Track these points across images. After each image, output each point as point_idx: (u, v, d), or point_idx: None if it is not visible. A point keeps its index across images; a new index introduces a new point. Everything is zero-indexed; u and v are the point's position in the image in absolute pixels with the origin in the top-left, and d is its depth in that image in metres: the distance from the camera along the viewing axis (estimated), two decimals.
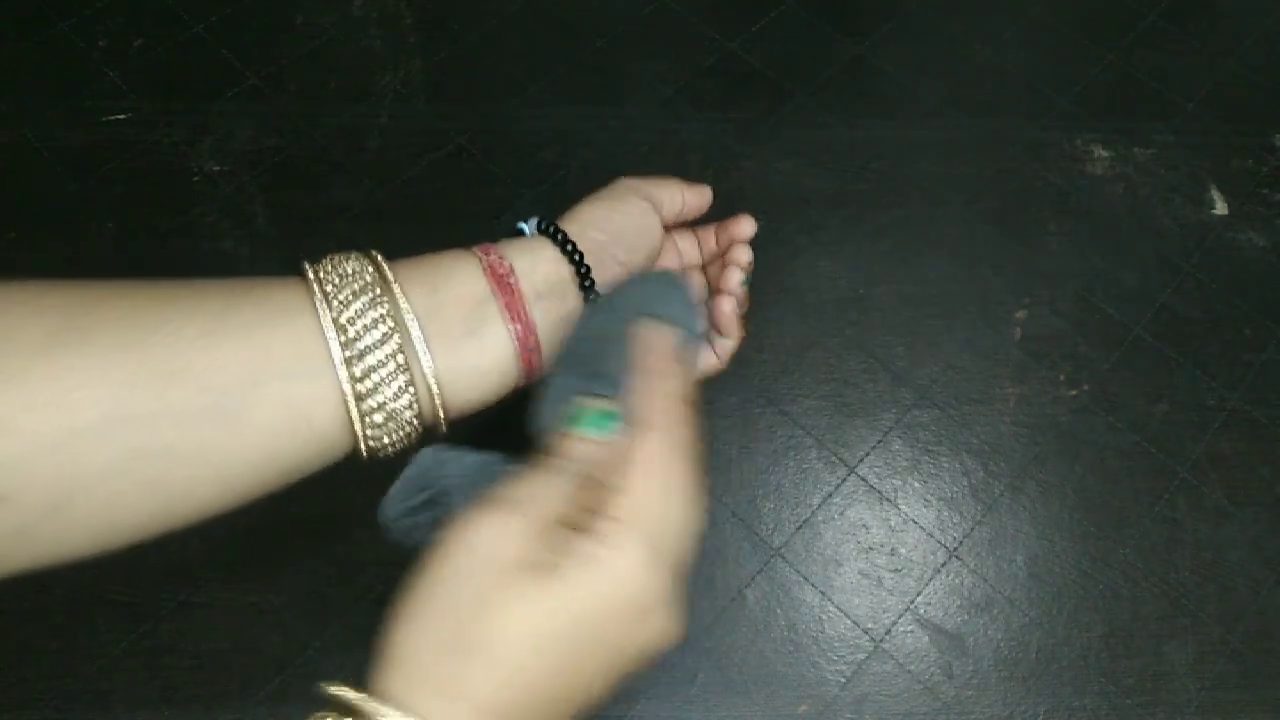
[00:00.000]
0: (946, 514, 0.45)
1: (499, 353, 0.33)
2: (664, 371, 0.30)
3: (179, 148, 0.53)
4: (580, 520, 0.27)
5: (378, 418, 0.31)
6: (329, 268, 0.32)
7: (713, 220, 0.42)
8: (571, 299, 0.35)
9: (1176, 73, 0.60)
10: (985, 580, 0.44)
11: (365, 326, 0.30)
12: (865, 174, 0.55)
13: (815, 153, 0.55)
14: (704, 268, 0.44)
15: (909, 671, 0.41)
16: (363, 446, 0.31)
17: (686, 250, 0.43)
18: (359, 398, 0.30)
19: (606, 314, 0.33)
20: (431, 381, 0.31)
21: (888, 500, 0.45)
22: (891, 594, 0.43)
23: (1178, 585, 0.44)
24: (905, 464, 0.46)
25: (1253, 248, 0.53)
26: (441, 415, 0.32)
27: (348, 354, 0.30)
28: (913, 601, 0.43)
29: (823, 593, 0.43)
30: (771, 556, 0.44)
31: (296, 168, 0.53)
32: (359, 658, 0.26)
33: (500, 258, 0.34)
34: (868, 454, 0.46)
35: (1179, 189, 0.55)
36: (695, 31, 0.59)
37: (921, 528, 0.45)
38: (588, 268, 0.35)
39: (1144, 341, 0.50)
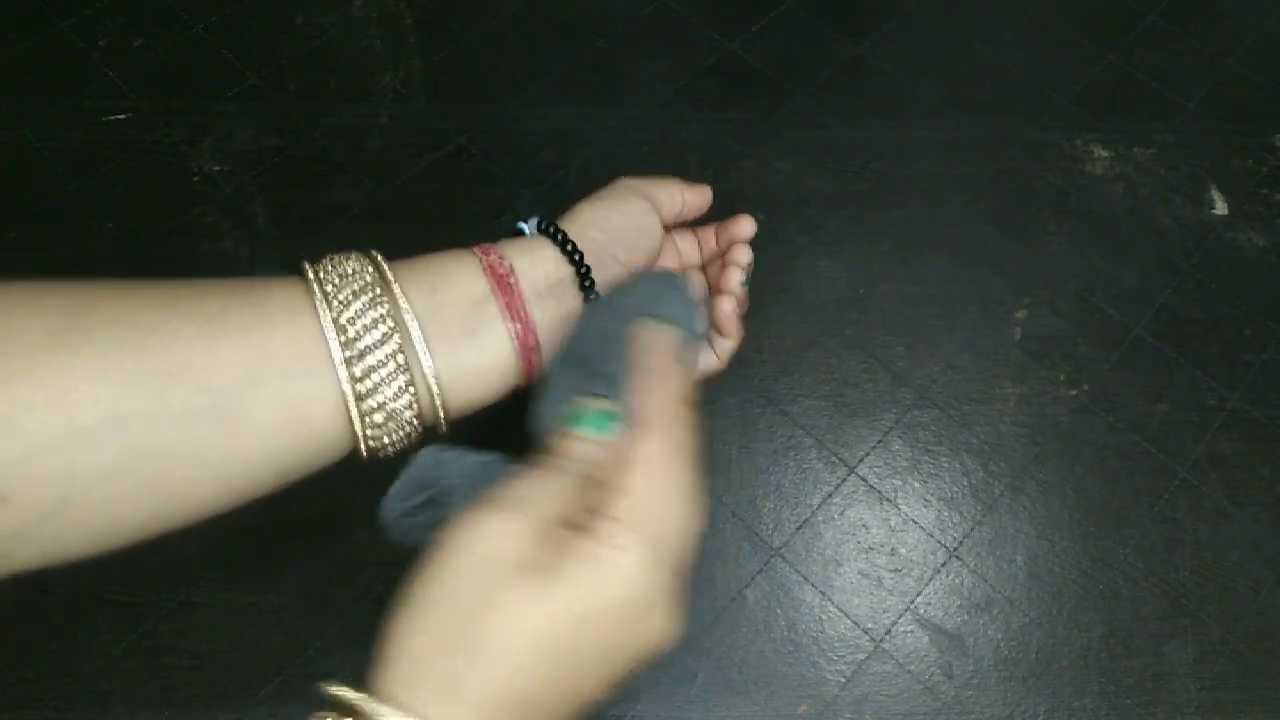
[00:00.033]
0: (946, 514, 0.45)
1: (499, 352, 0.33)
2: (664, 371, 0.30)
3: (179, 148, 0.53)
4: (581, 520, 0.27)
5: (378, 418, 0.31)
6: (329, 268, 0.32)
7: (713, 220, 0.42)
8: (571, 299, 0.35)
9: (1176, 73, 0.60)
10: (985, 580, 0.44)
11: (365, 326, 0.30)
12: (865, 174, 0.55)
13: (815, 153, 0.55)
14: (704, 268, 0.44)
15: (909, 671, 0.41)
16: (363, 446, 0.31)
17: (686, 250, 0.43)
18: (359, 397, 0.30)
19: (606, 314, 0.33)
20: (431, 381, 0.31)
21: (888, 500, 0.45)
22: (891, 594, 0.43)
23: (1178, 585, 0.44)
24: (905, 464, 0.46)
25: (1253, 248, 0.53)
26: (442, 415, 0.32)
27: (348, 354, 0.30)
28: (913, 601, 0.43)
29: (823, 593, 0.43)
30: (771, 556, 0.44)
31: (296, 168, 0.53)
32: (359, 658, 0.26)
33: (500, 257, 0.34)
34: (868, 454, 0.46)
35: (1179, 189, 0.55)
36: (695, 31, 0.59)
37: (921, 528, 0.45)
38: (588, 267, 0.35)
39: (1144, 341, 0.50)
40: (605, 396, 0.30)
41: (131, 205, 0.51)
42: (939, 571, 0.44)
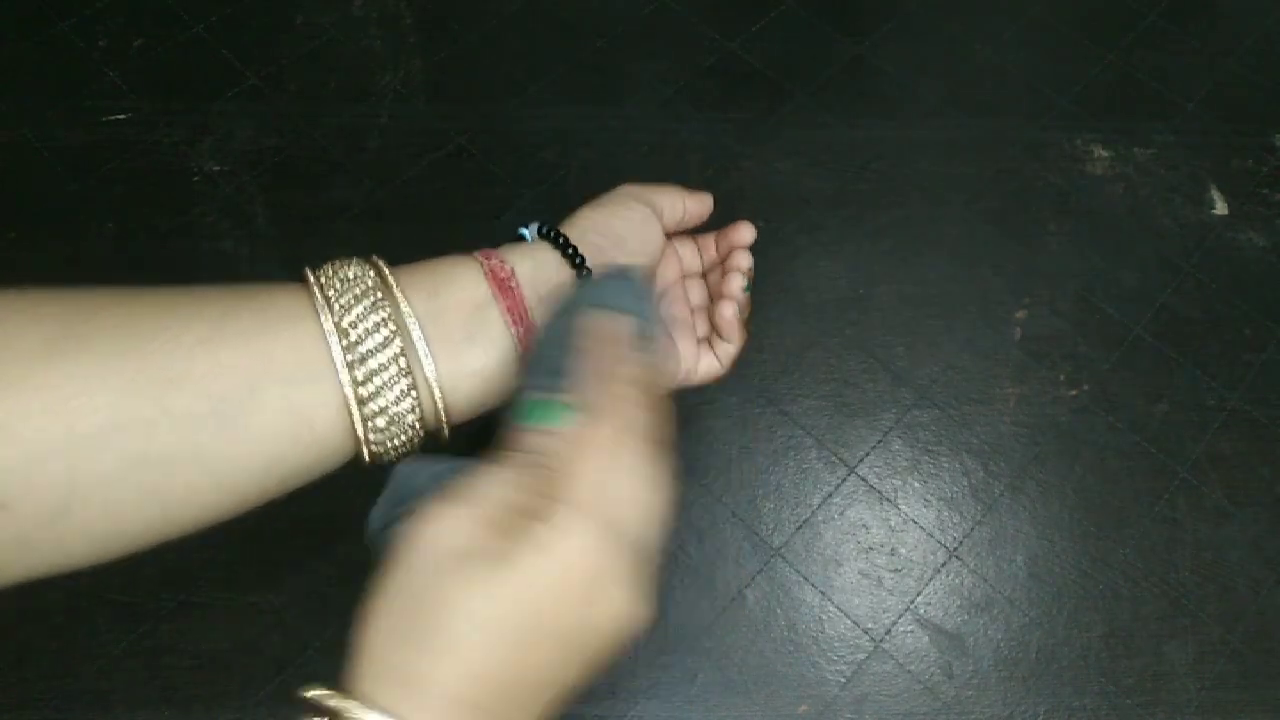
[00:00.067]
0: (946, 514, 0.45)
1: (501, 356, 0.33)
2: (612, 356, 0.30)
3: (179, 148, 0.53)
4: (531, 506, 0.27)
5: (380, 422, 0.31)
6: (330, 273, 0.32)
7: (713, 224, 0.42)
8: None
9: (1176, 73, 0.60)
10: (985, 580, 0.44)
11: (367, 330, 0.30)
12: (865, 174, 0.55)
13: (815, 153, 0.55)
14: (704, 275, 0.44)
15: (909, 671, 0.41)
16: (365, 451, 0.31)
17: (687, 257, 0.43)
18: (361, 402, 0.30)
19: (561, 312, 0.33)
20: (434, 385, 0.31)
21: (888, 500, 0.45)
22: (891, 594, 0.43)
23: (1178, 585, 0.44)
24: (905, 464, 0.46)
25: (1253, 248, 0.53)
26: (444, 419, 0.32)
27: (349, 358, 0.30)
28: (913, 601, 0.43)
29: (823, 593, 0.43)
30: (771, 556, 0.44)
31: (296, 168, 0.53)
32: None
33: (501, 261, 0.34)
34: (868, 454, 0.46)
35: (1179, 189, 0.55)
36: (695, 31, 0.59)
37: (921, 528, 0.45)
38: (589, 271, 0.35)
39: (1144, 341, 0.50)
40: (558, 389, 0.30)
41: (131, 205, 0.51)
42: (939, 571, 0.44)
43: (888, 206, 0.54)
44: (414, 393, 0.31)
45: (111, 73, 0.55)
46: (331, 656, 0.40)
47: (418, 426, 0.32)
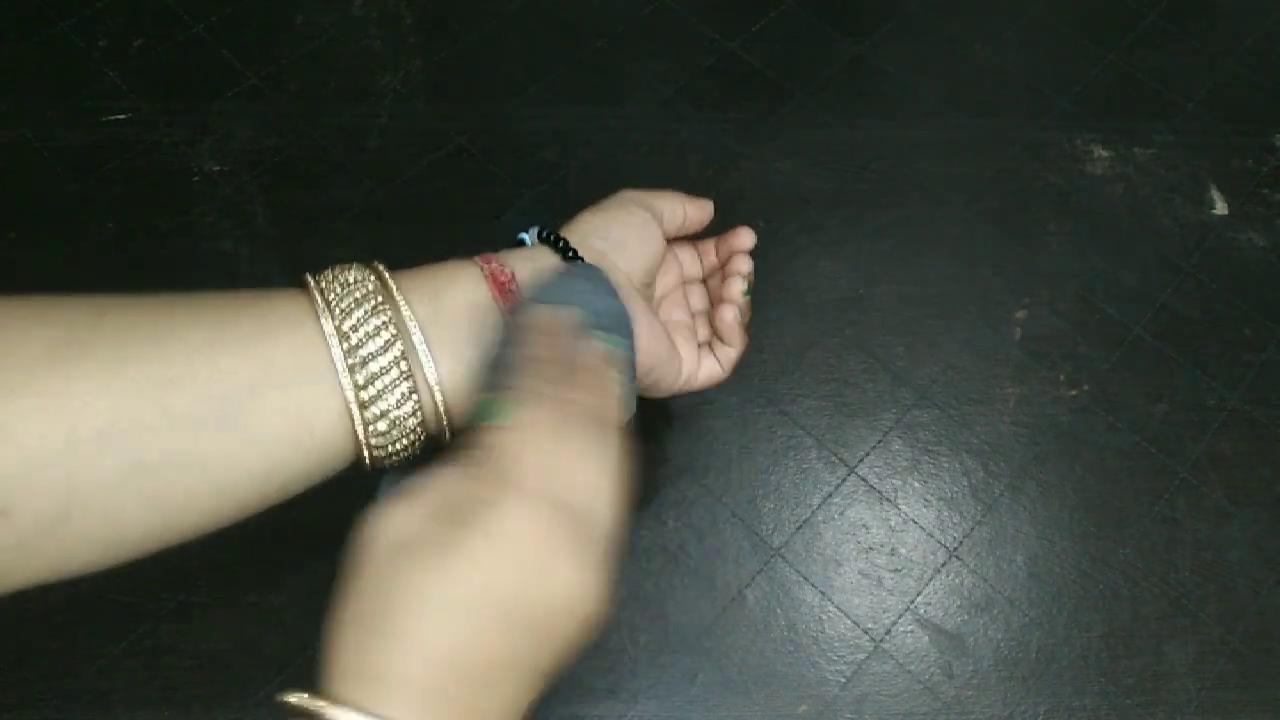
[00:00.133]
0: (946, 514, 0.45)
1: None
2: (551, 345, 0.31)
3: (179, 148, 0.53)
4: (476, 494, 0.27)
5: (381, 425, 0.31)
6: (330, 278, 0.32)
7: (714, 224, 0.42)
8: None
9: (1176, 73, 0.60)
10: (985, 580, 0.44)
11: (368, 334, 0.30)
12: (865, 174, 0.55)
13: (815, 153, 0.55)
14: (705, 280, 0.44)
15: (909, 671, 0.41)
16: (366, 455, 0.31)
17: (687, 262, 0.43)
18: (362, 405, 0.30)
19: (514, 316, 0.33)
20: (435, 389, 0.31)
21: (888, 500, 0.45)
22: (891, 594, 0.43)
23: (1178, 585, 0.44)
24: (905, 464, 0.46)
25: (1253, 248, 0.53)
26: (446, 422, 0.32)
27: (350, 361, 0.30)
28: (913, 601, 0.43)
29: (823, 593, 0.43)
30: (771, 556, 0.44)
31: (296, 168, 0.53)
32: None
33: (501, 265, 0.34)
34: (868, 454, 0.46)
35: (1179, 189, 0.55)
36: (695, 31, 0.59)
37: (921, 528, 0.45)
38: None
39: (1144, 341, 0.50)
40: (503, 385, 0.30)
41: (131, 205, 0.51)
42: (939, 571, 0.44)
43: (888, 206, 0.54)
44: (415, 396, 0.31)
45: (111, 73, 0.55)
46: None
47: (419, 430, 0.32)
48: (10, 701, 0.38)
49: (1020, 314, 0.51)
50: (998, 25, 0.61)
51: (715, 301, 0.42)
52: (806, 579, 0.43)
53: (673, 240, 0.42)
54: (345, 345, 0.30)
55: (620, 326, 0.34)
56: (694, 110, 0.56)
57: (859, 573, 0.43)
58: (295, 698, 0.25)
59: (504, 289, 0.33)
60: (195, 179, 0.52)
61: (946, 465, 0.46)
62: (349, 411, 0.30)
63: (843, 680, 0.41)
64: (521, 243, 0.38)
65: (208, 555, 0.41)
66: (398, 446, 0.32)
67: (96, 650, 0.39)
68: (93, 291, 0.30)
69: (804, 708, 0.40)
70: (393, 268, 0.34)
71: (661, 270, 0.41)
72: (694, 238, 0.43)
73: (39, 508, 0.26)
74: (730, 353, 0.41)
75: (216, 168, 0.52)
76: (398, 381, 0.31)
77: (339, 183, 0.52)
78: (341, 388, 0.30)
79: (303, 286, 0.32)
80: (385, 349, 0.30)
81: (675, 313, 0.41)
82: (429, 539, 0.26)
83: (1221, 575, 0.44)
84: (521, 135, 0.55)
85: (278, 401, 0.29)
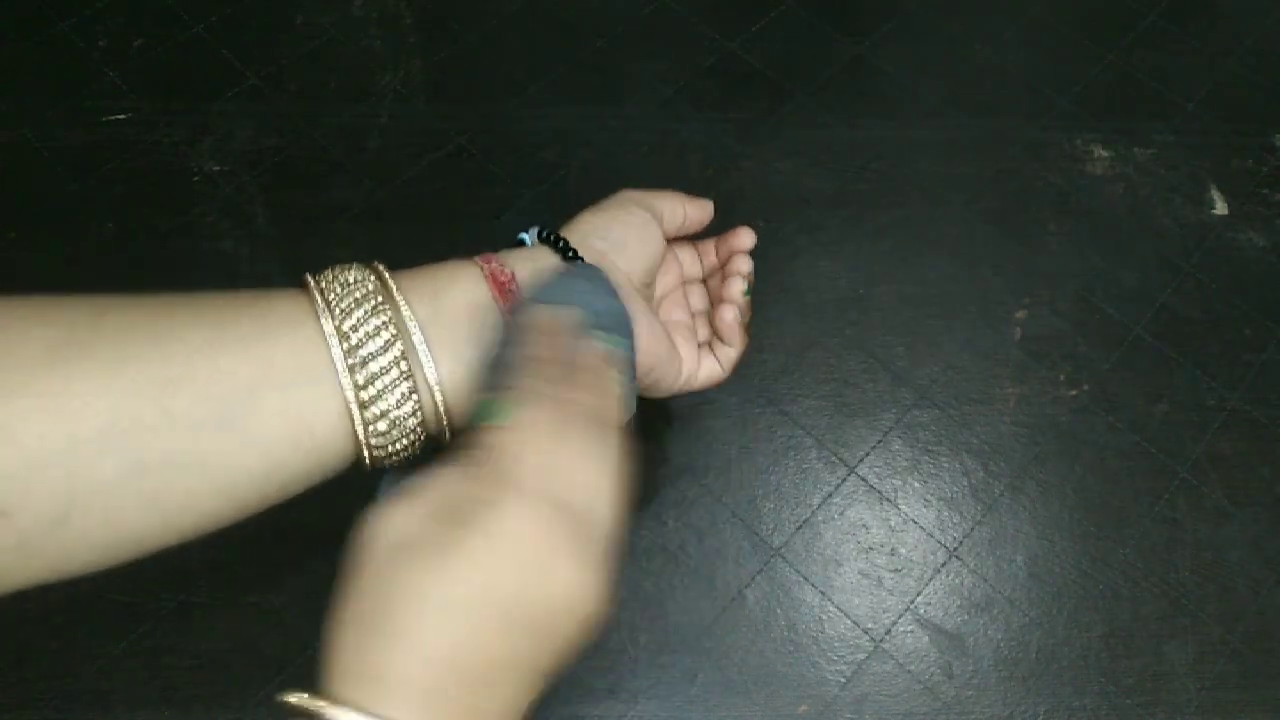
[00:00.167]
0: (946, 514, 0.45)
1: None
2: (550, 345, 0.31)
3: (179, 148, 0.53)
4: (476, 494, 0.27)
5: (381, 426, 0.31)
6: (330, 278, 0.32)
7: (714, 224, 0.42)
8: None
9: (1176, 73, 0.60)
10: (985, 580, 0.44)
11: (368, 334, 0.30)
12: (865, 174, 0.55)
13: (815, 153, 0.55)
14: (705, 280, 0.44)
15: (909, 671, 0.41)
16: (366, 456, 0.31)
17: (687, 263, 0.43)
18: (362, 405, 0.30)
19: (514, 316, 0.33)
20: (435, 389, 0.31)
21: (888, 500, 0.45)
22: (891, 594, 0.43)
23: (1178, 585, 0.44)
24: (905, 464, 0.46)
25: (1253, 248, 0.53)
26: (446, 423, 0.32)
27: (350, 361, 0.30)
28: (913, 601, 0.43)
29: (823, 593, 0.43)
30: (771, 556, 0.44)
31: (296, 168, 0.53)
32: None
33: (501, 265, 0.34)
34: (868, 454, 0.46)
35: (1179, 189, 0.55)
36: (695, 31, 0.59)
37: (921, 528, 0.45)
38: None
39: (1144, 341, 0.50)
40: (503, 385, 0.30)
41: (131, 205, 0.51)
42: (939, 571, 0.44)
43: (888, 206, 0.54)
44: (415, 396, 0.31)
45: (111, 73, 0.55)
46: None
47: (419, 430, 0.32)
48: (10, 701, 0.38)
49: (1020, 314, 0.51)
50: (998, 25, 0.61)
51: (715, 301, 0.42)
52: (806, 579, 0.43)
53: (673, 240, 0.42)
54: (345, 345, 0.30)
55: (620, 326, 0.34)
56: (694, 110, 0.56)
57: (859, 573, 0.43)
58: (295, 698, 0.25)
59: (504, 289, 0.33)
60: (195, 179, 0.52)
61: (946, 465, 0.46)
62: (349, 412, 0.30)
63: (843, 680, 0.41)
64: (521, 243, 0.38)
65: (208, 555, 0.42)
66: (398, 447, 0.32)
67: (96, 650, 0.39)
68: (93, 291, 0.30)
69: (804, 708, 0.40)
70: (393, 268, 0.34)
71: (661, 270, 0.41)
72: (694, 238, 0.43)
73: (39, 508, 0.26)
74: (730, 353, 0.41)
75: (216, 168, 0.52)
76: (398, 381, 0.31)
77: (339, 183, 0.52)
78: (341, 388, 0.30)
79: (302, 287, 0.32)
80: (385, 349, 0.30)
81: (675, 313, 0.41)
82: (429, 539, 0.26)
83: (1221, 575, 0.44)
84: (521, 135, 0.55)
85: (277, 402, 0.29)
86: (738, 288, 0.40)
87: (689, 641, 0.41)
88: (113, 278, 0.49)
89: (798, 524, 0.44)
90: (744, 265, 0.41)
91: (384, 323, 0.31)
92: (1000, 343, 0.50)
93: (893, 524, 0.45)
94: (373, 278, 0.32)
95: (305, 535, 0.42)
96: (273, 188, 0.52)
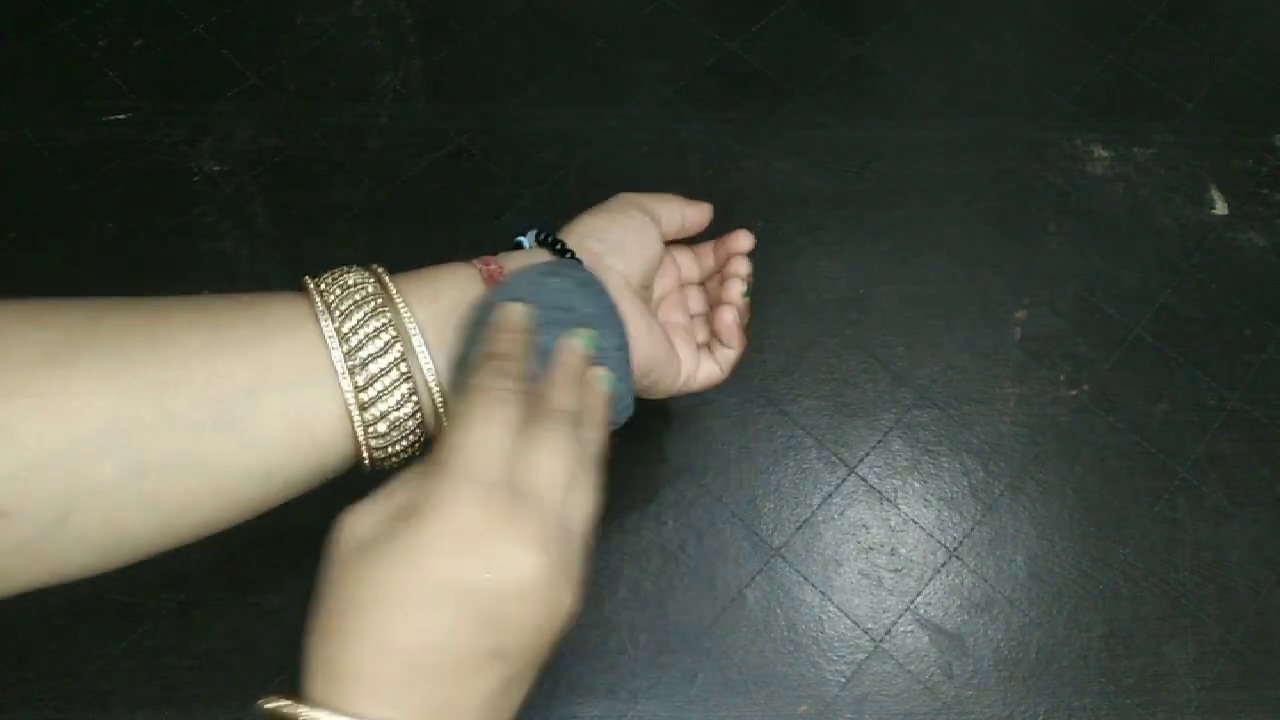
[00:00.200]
0: (946, 514, 0.45)
1: None
2: (497, 341, 0.31)
3: (179, 148, 0.53)
4: (424, 487, 0.27)
5: (381, 427, 0.31)
6: (329, 280, 0.32)
7: (714, 223, 0.42)
8: None
9: (1176, 73, 0.60)
10: (985, 580, 0.44)
11: (368, 335, 0.30)
12: (865, 174, 0.55)
13: (815, 153, 0.55)
14: (703, 283, 0.44)
15: (909, 671, 0.41)
16: (366, 457, 0.31)
17: (685, 265, 0.43)
18: (362, 407, 0.30)
19: (473, 315, 0.33)
20: (435, 390, 0.32)
21: (888, 500, 0.45)
22: (891, 594, 0.43)
23: (1178, 585, 0.44)
24: (905, 464, 0.46)
25: (1253, 248, 0.53)
26: (446, 424, 0.32)
27: (350, 363, 0.30)
28: (913, 601, 0.43)
29: (823, 593, 0.43)
30: (771, 556, 0.44)
31: (296, 168, 0.53)
32: None
33: (500, 267, 0.34)
34: (868, 454, 0.46)
35: (1179, 189, 0.55)
36: (695, 31, 0.59)
37: (921, 528, 0.45)
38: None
39: (1144, 341, 0.50)
40: (468, 384, 0.31)
41: (131, 205, 0.51)
42: (939, 571, 0.44)
43: (888, 206, 0.54)
44: (415, 398, 0.31)
45: (111, 73, 0.55)
46: None
47: (419, 432, 0.32)
48: (10, 701, 0.38)
49: (1020, 314, 0.51)
50: (998, 25, 0.61)
51: (714, 304, 0.42)
52: (806, 579, 0.43)
53: (671, 243, 0.42)
54: (345, 347, 0.30)
55: (603, 321, 0.34)
56: (694, 110, 0.56)
57: (859, 573, 0.43)
58: (271, 704, 0.25)
59: None
60: (195, 179, 0.52)
61: (946, 465, 0.46)
62: (349, 413, 0.30)
63: (843, 680, 0.41)
64: (519, 245, 0.38)
65: (208, 555, 0.41)
66: (398, 448, 0.32)
67: (96, 650, 0.39)
68: (93, 292, 0.30)
69: (804, 708, 0.40)
70: (393, 268, 0.34)
71: (660, 273, 0.41)
72: (692, 240, 0.43)
73: (39, 510, 0.26)
74: (729, 354, 0.41)
75: (216, 168, 0.52)
76: (398, 383, 0.31)
77: (339, 183, 0.52)
78: (341, 390, 0.30)
79: (301, 289, 0.32)
80: (385, 350, 0.30)
81: (673, 314, 0.42)
82: (384, 533, 0.26)
83: (1221, 575, 0.44)
84: (521, 135, 0.55)
85: (276, 404, 0.29)
86: (737, 289, 0.40)
87: (689, 641, 0.41)
88: (113, 278, 0.48)
89: (798, 524, 0.44)
90: (742, 267, 0.41)
91: (384, 324, 0.31)
92: (1000, 343, 0.50)
93: (893, 524, 0.45)
94: (372, 280, 0.32)
95: (305, 536, 0.42)
96: (273, 188, 0.52)
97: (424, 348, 0.31)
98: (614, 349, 0.34)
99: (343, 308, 0.31)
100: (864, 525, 0.45)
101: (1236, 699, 0.41)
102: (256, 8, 0.58)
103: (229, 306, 0.30)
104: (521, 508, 0.27)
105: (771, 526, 0.44)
